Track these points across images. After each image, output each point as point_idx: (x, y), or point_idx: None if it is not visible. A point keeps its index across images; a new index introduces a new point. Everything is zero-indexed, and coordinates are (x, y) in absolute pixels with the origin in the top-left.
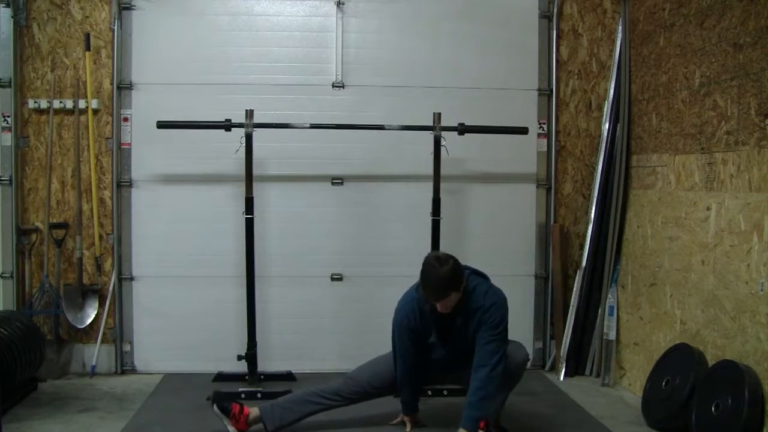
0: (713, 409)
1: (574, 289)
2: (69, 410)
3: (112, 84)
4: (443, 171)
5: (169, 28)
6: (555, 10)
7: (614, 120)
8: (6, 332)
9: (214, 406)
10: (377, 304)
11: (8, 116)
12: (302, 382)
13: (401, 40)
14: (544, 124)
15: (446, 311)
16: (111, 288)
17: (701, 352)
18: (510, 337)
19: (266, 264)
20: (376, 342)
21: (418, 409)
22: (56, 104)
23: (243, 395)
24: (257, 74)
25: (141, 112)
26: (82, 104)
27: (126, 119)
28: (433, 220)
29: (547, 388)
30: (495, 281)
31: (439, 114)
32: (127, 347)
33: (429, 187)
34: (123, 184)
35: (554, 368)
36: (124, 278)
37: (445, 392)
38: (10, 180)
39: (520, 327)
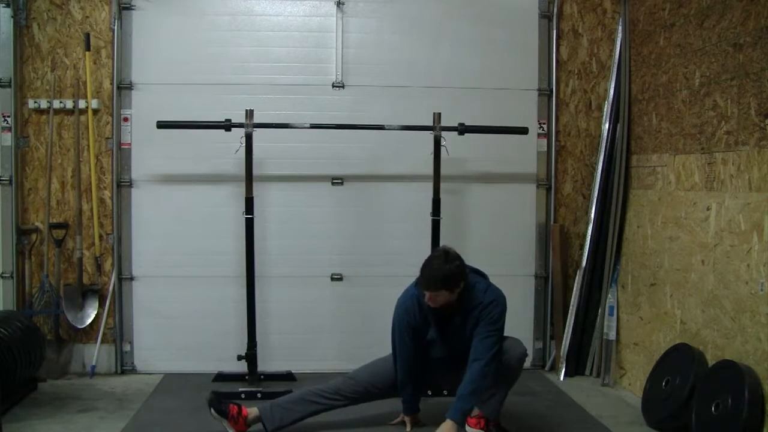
0: (713, 409)
1: (574, 289)
2: (69, 410)
3: (112, 84)
4: (443, 171)
5: (169, 28)
6: (555, 10)
7: (614, 120)
8: (6, 332)
9: (212, 410)
10: (377, 304)
11: (8, 116)
12: (302, 382)
13: (401, 40)
14: (544, 124)
15: (435, 306)
16: (111, 288)
17: (701, 352)
18: (510, 336)
19: (266, 264)
20: (376, 342)
21: (419, 409)
22: (56, 104)
23: (243, 395)
24: (257, 74)
25: (141, 112)
26: (82, 104)
27: (126, 119)
28: (433, 220)
29: (547, 388)
30: (495, 281)
31: (439, 114)
32: (127, 347)
33: (429, 187)
34: (123, 184)
35: (554, 368)
36: (124, 278)
37: (445, 392)
38: (10, 180)
39: (520, 327)
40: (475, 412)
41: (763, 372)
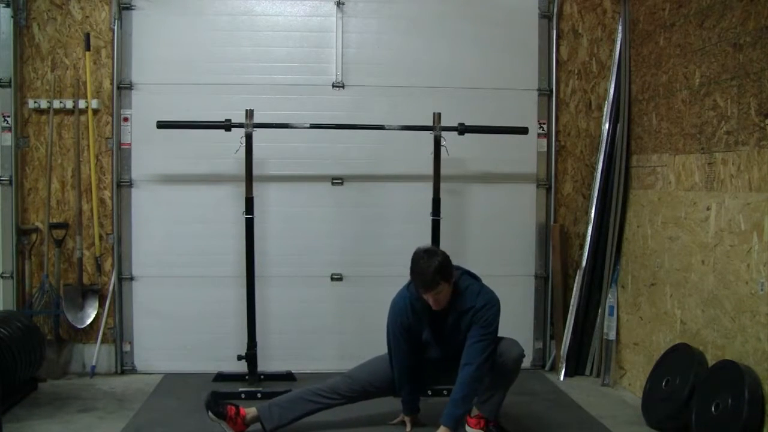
0: (713, 409)
1: (574, 289)
2: (69, 410)
3: (112, 84)
4: (443, 171)
5: (169, 28)
6: (555, 10)
7: (614, 120)
8: (6, 332)
9: (209, 413)
10: (377, 304)
11: (8, 116)
12: (302, 382)
13: (401, 40)
14: (544, 124)
15: (439, 307)
16: (111, 288)
17: (701, 352)
18: (511, 336)
19: (266, 264)
20: (376, 342)
21: (419, 409)
22: (56, 104)
23: (243, 395)
24: (257, 74)
25: (141, 112)
26: (82, 104)
27: (126, 119)
28: (433, 220)
29: (547, 388)
30: (495, 281)
31: (439, 114)
32: (127, 347)
33: (429, 187)
34: (123, 184)
35: (554, 368)
36: (124, 278)
37: (445, 392)
38: (10, 180)
39: (520, 327)
40: (475, 412)
41: (763, 372)
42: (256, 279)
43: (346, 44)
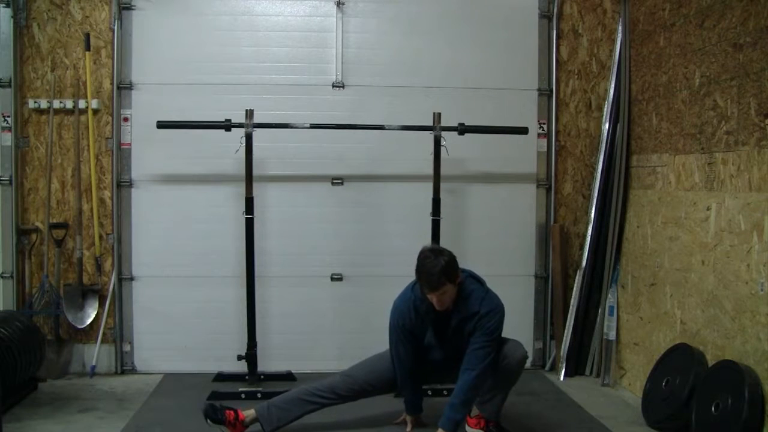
0: (713, 409)
1: (574, 289)
2: (69, 410)
3: (112, 84)
4: (443, 171)
5: (169, 28)
6: (555, 10)
7: (614, 120)
8: (6, 332)
9: (208, 421)
10: (377, 304)
11: (8, 116)
12: (302, 382)
13: (401, 40)
14: (544, 124)
15: (443, 308)
16: (111, 288)
17: (701, 352)
18: (510, 337)
19: (266, 264)
20: (376, 342)
21: (422, 409)
22: (56, 104)
23: (243, 395)
24: (257, 74)
25: (141, 112)
26: (82, 104)
27: (126, 119)
28: (433, 220)
29: (547, 388)
30: (495, 281)
31: (439, 114)
32: (127, 347)
33: (429, 187)
34: (123, 184)
35: (554, 368)
36: (124, 278)
37: (445, 392)
38: (10, 180)
39: (520, 327)
40: (475, 412)
41: (763, 372)
42: (256, 279)
43: (346, 44)
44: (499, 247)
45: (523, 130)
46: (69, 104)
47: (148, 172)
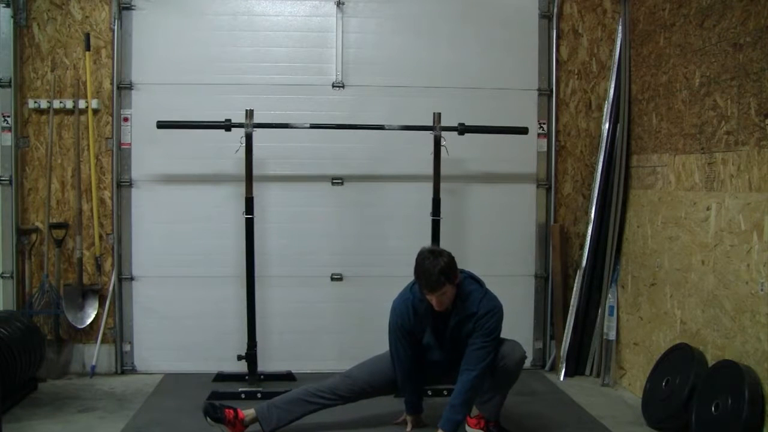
0: (713, 409)
1: (574, 289)
2: (69, 410)
3: (112, 84)
4: (443, 171)
5: (169, 28)
6: (555, 10)
7: (614, 120)
8: (6, 332)
9: (208, 419)
10: (377, 304)
11: (8, 116)
12: (302, 382)
13: (401, 40)
14: (544, 124)
15: (442, 308)
16: (111, 288)
17: (701, 352)
18: (510, 337)
19: (266, 264)
20: (376, 342)
21: (422, 409)
22: (56, 104)
23: (243, 395)
24: (257, 74)
25: (141, 112)
26: (82, 104)
27: (126, 119)
28: (433, 220)
29: (547, 388)
30: (495, 281)
31: (439, 114)
32: (127, 347)
33: (429, 187)
34: (123, 184)
35: (554, 368)
36: (124, 278)
37: (445, 392)
38: (10, 180)
39: (520, 327)
40: (475, 412)
41: (763, 372)
42: (256, 279)
43: (346, 44)
44: (499, 247)
45: (523, 130)
46: (69, 104)
47: (148, 172)
